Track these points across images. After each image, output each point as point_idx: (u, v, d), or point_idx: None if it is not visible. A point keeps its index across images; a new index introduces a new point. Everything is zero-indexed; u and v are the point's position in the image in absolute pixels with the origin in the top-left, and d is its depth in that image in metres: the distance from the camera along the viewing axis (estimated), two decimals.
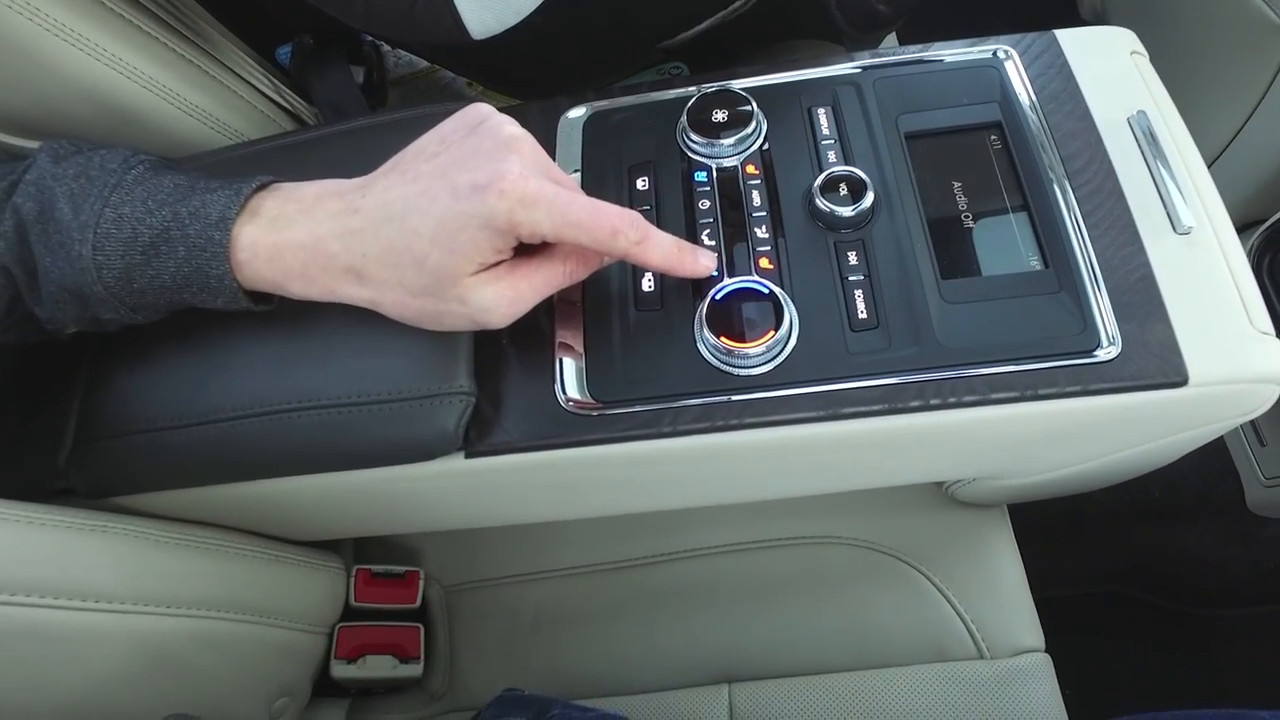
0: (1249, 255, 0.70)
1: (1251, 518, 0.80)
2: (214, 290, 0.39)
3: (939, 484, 0.61)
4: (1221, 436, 0.82)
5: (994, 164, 0.46)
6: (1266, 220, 0.69)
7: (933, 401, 0.40)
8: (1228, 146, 0.78)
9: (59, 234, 0.37)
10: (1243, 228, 0.79)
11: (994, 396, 0.40)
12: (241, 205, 0.38)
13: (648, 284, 0.44)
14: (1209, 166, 0.79)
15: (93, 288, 0.38)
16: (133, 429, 0.43)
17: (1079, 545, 0.90)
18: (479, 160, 0.36)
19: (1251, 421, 0.77)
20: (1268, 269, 0.68)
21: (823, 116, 0.47)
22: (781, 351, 0.41)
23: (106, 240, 0.38)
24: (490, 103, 0.40)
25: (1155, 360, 0.39)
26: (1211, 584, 0.85)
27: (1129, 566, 0.89)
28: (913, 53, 0.49)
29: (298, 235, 0.38)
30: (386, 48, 0.75)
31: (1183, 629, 0.86)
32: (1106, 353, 0.39)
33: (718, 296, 0.41)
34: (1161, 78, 0.47)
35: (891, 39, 0.79)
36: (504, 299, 0.38)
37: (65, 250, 0.37)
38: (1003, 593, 0.59)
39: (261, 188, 0.40)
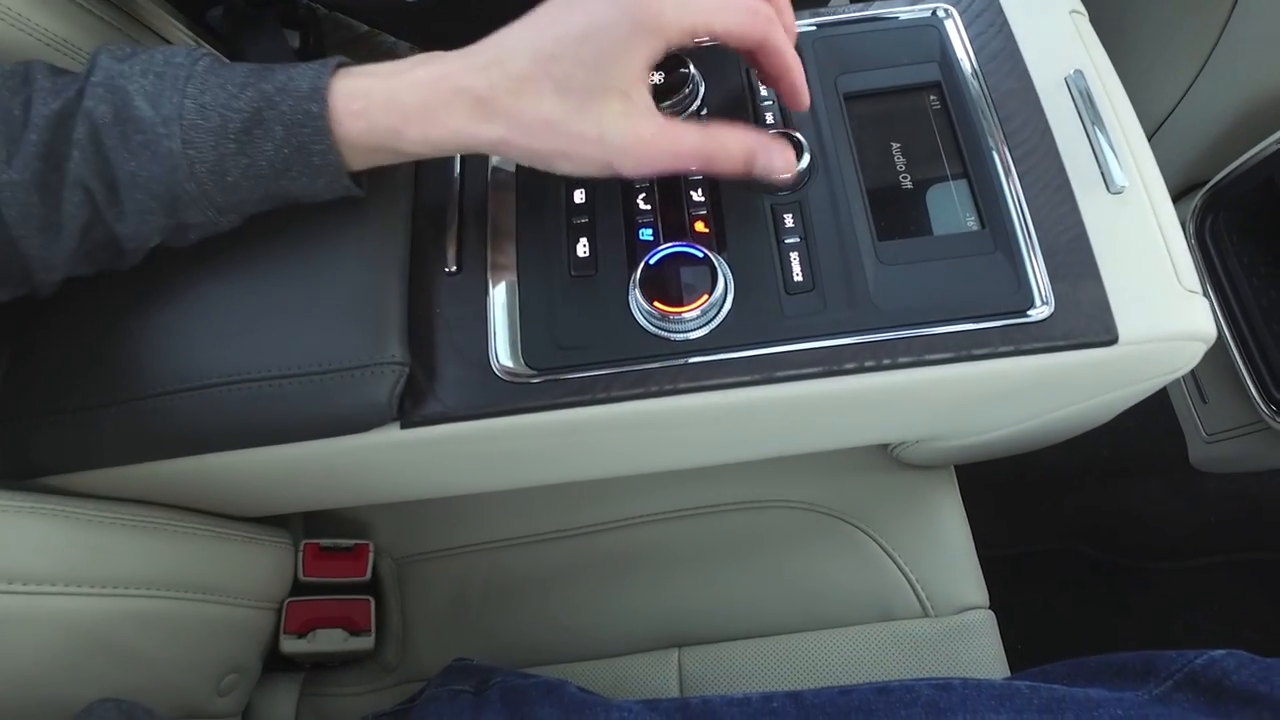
0: (1192, 216, 0.71)
1: (1194, 473, 0.82)
2: (316, 170, 0.37)
3: (884, 446, 0.61)
4: (1167, 395, 0.84)
5: (932, 124, 0.45)
6: (1209, 181, 0.70)
7: (868, 364, 0.40)
8: (1175, 109, 0.78)
9: (141, 133, 0.35)
10: (1189, 189, 0.80)
11: (929, 357, 0.40)
12: (330, 74, 0.36)
13: (582, 249, 0.43)
14: (1157, 129, 0.80)
15: (184, 185, 0.36)
16: (60, 408, 0.42)
17: (1030, 504, 0.92)
18: None
19: (1194, 380, 0.78)
20: (1210, 230, 0.69)
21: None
22: (716, 315, 0.40)
23: (195, 132, 0.35)
24: None
25: (1086, 320, 0.39)
26: (1156, 538, 0.87)
27: (1077, 523, 0.91)
28: (853, 11, 0.48)
29: (418, 74, 0.36)
30: (323, 11, 0.72)
31: (1128, 582, 0.88)
32: (1039, 312, 0.40)
33: (651, 261, 0.41)
34: (1109, 40, 0.47)
35: None
36: (645, 136, 0.36)
37: (151, 149, 0.35)
38: (948, 552, 0.60)
39: (343, 65, 0.38)
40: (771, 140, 0.40)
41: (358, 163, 0.38)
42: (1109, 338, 0.39)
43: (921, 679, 0.40)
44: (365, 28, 0.73)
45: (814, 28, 0.48)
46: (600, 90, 0.35)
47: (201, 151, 0.36)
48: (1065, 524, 0.91)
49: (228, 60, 0.38)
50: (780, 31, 0.38)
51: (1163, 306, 0.40)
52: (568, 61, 0.35)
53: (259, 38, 0.65)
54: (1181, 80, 0.75)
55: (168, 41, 0.60)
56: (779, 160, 0.40)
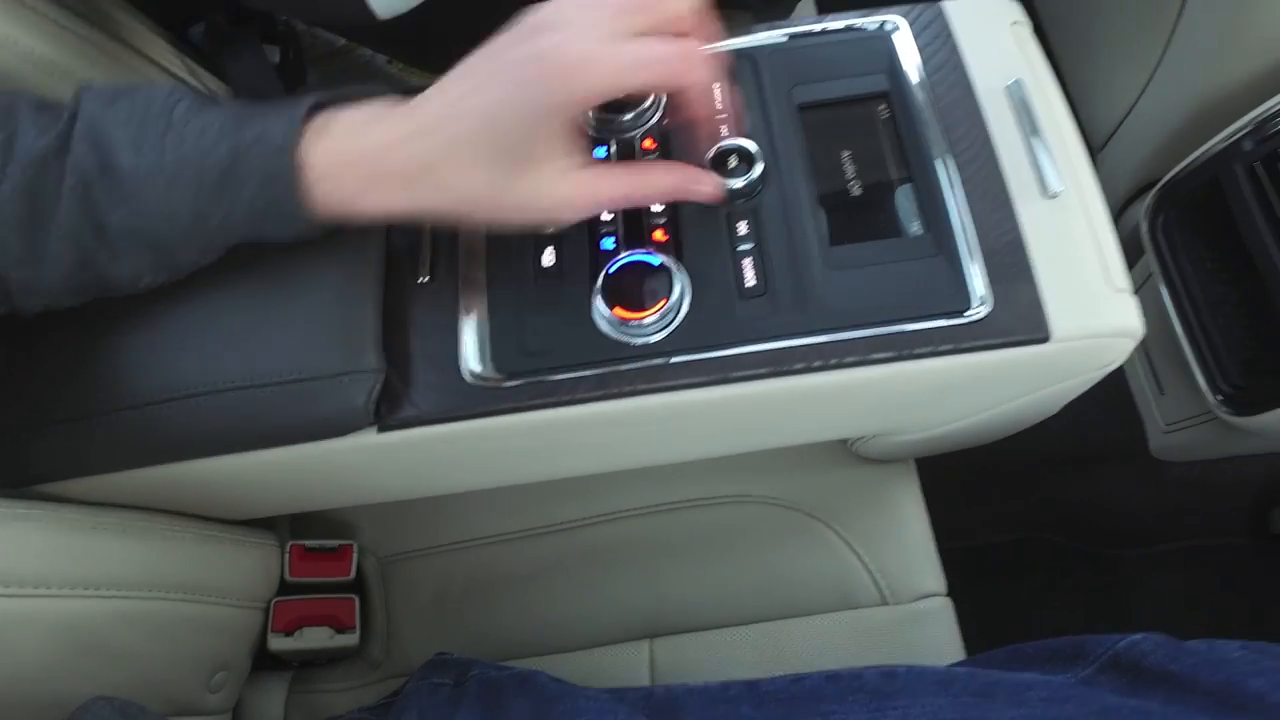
0: (1145, 214, 0.73)
1: (1155, 462, 0.85)
2: (288, 219, 0.38)
3: (844, 442, 0.63)
4: (1127, 386, 0.87)
5: (881, 133, 0.47)
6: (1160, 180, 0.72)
7: (815, 363, 0.42)
8: (1130, 112, 0.81)
9: (126, 184, 0.36)
10: (1145, 188, 0.82)
11: (873, 357, 0.42)
12: (300, 129, 0.37)
13: (548, 258, 0.45)
14: (1114, 133, 0.83)
15: (169, 234, 0.37)
16: (51, 419, 0.44)
17: (997, 495, 0.95)
18: (527, 47, 0.36)
19: (1152, 372, 0.81)
20: (1161, 227, 0.71)
21: (718, 90, 0.49)
22: (673, 320, 0.42)
23: (176, 183, 0.36)
24: (409, 80, 0.41)
25: (1021, 319, 0.42)
26: (1120, 526, 0.90)
27: (1044, 512, 0.93)
28: (806, 24, 0.50)
29: (365, 144, 0.37)
30: (302, 26, 0.74)
31: (1094, 569, 0.91)
32: (977, 313, 0.42)
33: (611, 270, 0.43)
34: (1067, 49, 0.49)
35: (807, 7, 0.80)
36: (573, 195, 0.38)
37: (137, 199, 0.36)
38: (906, 542, 0.62)
39: (316, 108, 0.39)
40: (698, 173, 0.43)
41: (327, 215, 0.39)
42: (1042, 335, 0.41)
43: (870, 667, 0.42)
44: (343, 41, 0.75)
45: (758, 43, 0.50)
46: (525, 162, 0.37)
47: (183, 202, 0.37)
48: (1032, 513, 0.94)
49: (207, 94, 0.40)
50: (695, 75, 0.38)
51: (1093, 305, 0.42)
52: (486, 137, 0.36)
53: (240, 54, 0.67)
54: (1135, 86, 0.78)
55: (150, 59, 0.61)
56: (707, 187, 0.42)
